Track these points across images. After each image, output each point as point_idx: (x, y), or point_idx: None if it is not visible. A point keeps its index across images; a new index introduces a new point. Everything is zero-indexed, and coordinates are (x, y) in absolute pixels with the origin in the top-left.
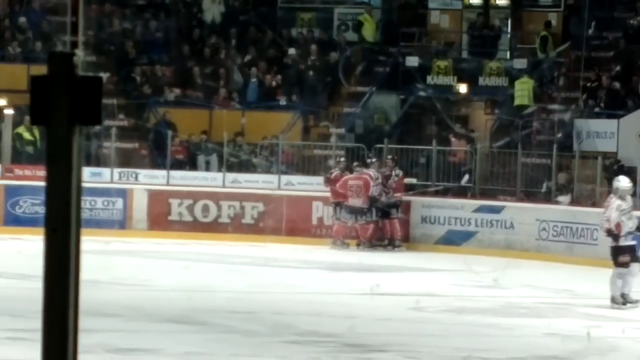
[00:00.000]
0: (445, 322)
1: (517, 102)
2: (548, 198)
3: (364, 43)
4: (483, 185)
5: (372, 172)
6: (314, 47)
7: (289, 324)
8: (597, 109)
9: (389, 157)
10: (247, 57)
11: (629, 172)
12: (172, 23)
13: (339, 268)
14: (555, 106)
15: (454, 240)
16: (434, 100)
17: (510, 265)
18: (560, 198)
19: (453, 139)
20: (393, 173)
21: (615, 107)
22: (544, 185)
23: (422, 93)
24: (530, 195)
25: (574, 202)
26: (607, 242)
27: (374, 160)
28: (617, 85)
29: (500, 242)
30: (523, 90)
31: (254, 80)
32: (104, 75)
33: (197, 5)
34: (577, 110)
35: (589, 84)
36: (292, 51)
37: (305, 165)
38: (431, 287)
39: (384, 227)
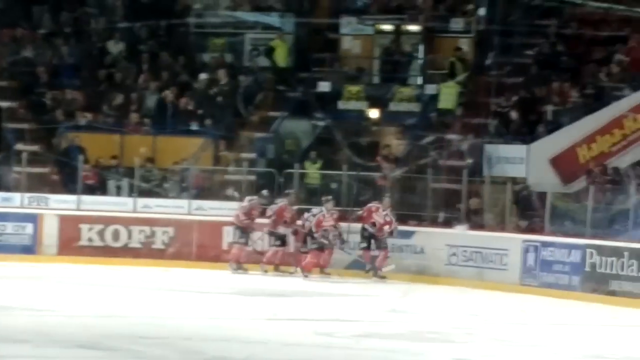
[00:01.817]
0: (354, 347)
1: (441, 105)
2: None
3: (275, 68)
4: (394, 210)
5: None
6: (224, 72)
7: (199, 350)
8: (506, 135)
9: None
10: (159, 82)
11: (539, 198)
12: (83, 48)
13: (249, 293)
14: (465, 131)
15: (365, 265)
16: (345, 126)
17: (418, 290)
18: (458, 227)
19: (383, 163)
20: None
21: (525, 132)
22: (440, 215)
23: (333, 118)
24: (442, 220)
25: (484, 227)
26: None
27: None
28: (526, 111)
29: (411, 267)
30: (449, 95)
31: (165, 105)
32: (13, 104)
33: (108, 31)
34: (487, 136)
35: (498, 109)
36: (203, 76)
37: (216, 191)
38: (341, 312)
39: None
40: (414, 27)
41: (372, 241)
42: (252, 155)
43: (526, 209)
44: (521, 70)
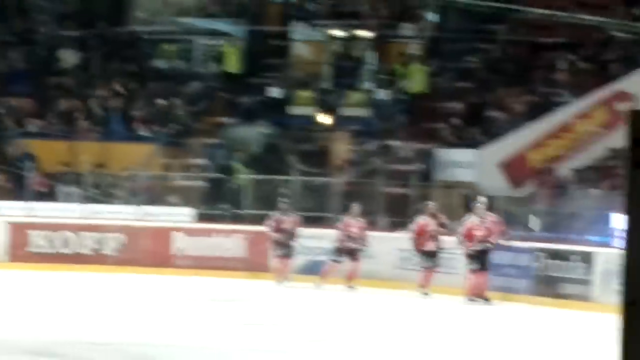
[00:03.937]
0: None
1: (413, 88)
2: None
3: (226, 74)
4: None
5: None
6: (175, 78)
7: (149, 355)
8: (456, 140)
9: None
10: (109, 89)
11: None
12: (33, 55)
13: (203, 298)
14: (414, 137)
15: (315, 269)
16: (296, 131)
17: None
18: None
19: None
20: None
21: (474, 137)
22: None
23: (284, 124)
24: (392, 224)
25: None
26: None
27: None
28: (475, 116)
29: (362, 272)
30: (418, 77)
31: (115, 111)
32: None
33: (58, 39)
34: (436, 141)
35: (448, 114)
36: (154, 83)
37: (166, 196)
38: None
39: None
40: (364, 33)
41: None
42: (202, 162)
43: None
44: (470, 75)
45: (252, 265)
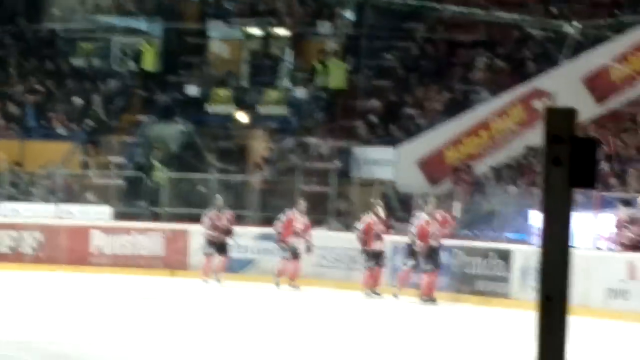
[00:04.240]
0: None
1: (332, 84)
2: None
3: (143, 72)
4: (264, 212)
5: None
6: (94, 76)
7: (64, 353)
8: (374, 137)
9: None
10: (26, 86)
11: (405, 200)
12: None
13: (121, 296)
14: (333, 134)
15: (233, 267)
16: (214, 129)
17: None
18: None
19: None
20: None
21: (392, 135)
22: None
23: (202, 122)
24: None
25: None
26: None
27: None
28: (393, 113)
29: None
30: (338, 73)
31: (32, 109)
32: None
33: None
34: (355, 139)
35: (366, 112)
36: (71, 81)
37: (84, 195)
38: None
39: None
40: (282, 31)
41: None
42: (120, 160)
43: (393, 211)
44: (388, 73)
45: (170, 263)
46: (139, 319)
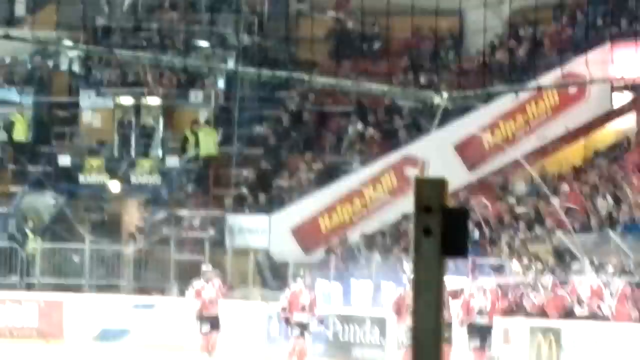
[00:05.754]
0: None
1: (202, 152)
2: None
3: (14, 143)
4: (137, 283)
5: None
6: None
7: None
8: (247, 206)
9: None
10: None
11: (279, 268)
12: None
13: None
14: (206, 204)
15: (109, 337)
16: (86, 200)
17: None
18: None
19: None
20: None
21: (265, 203)
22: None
23: (74, 192)
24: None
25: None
26: None
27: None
28: (266, 182)
29: (156, 338)
30: (208, 141)
31: None
32: None
33: None
34: (229, 207)
35: (238, 181)
36: None
37: None
38: None
39: None
40: (153, 100)
41: None
42: None
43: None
44: (259, 142)
45: (44, 333)
46: None
